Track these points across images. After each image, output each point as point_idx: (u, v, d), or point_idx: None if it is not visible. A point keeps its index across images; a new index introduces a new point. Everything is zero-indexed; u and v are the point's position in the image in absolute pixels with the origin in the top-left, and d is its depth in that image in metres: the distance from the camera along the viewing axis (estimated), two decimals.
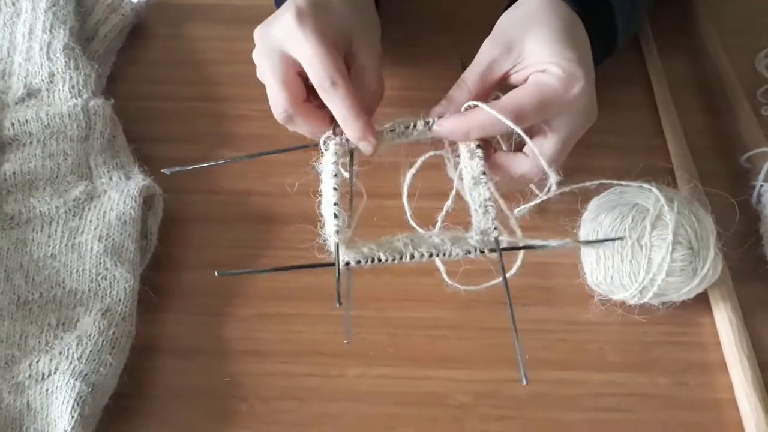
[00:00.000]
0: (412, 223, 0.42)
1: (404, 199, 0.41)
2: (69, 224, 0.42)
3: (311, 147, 0.42)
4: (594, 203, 0.43)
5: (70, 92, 0.46)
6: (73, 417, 0.37)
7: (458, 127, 0.39)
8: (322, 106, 0.40)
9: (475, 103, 0.39)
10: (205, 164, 0.43)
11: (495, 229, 0.37)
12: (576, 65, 0.38)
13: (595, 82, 0.40)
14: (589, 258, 0.42)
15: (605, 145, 0.50)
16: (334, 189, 0.38)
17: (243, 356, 0.43)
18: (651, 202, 0.40)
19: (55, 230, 0.42)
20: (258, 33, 0.41)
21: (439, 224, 0.41)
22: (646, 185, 0.41)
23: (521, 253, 0.40)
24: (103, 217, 0.42)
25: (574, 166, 0.43)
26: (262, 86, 0.42)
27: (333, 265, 0.36)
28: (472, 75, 0.40)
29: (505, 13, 0.42)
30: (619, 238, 0.40)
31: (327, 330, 0.44)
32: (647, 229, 0.39)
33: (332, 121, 0.41)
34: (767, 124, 0.51)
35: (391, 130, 0.40)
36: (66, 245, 0.42)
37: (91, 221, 0.42)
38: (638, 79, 0.55)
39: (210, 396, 0.42)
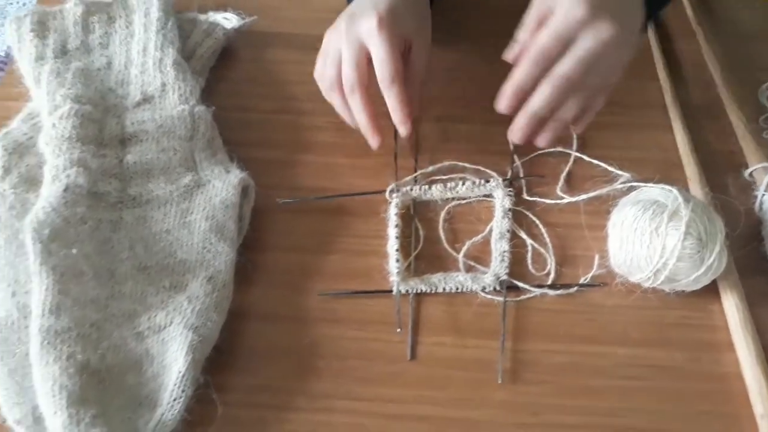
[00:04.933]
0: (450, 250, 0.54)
1: (443, 241, 0.55)
2: (181, 206, 0.51)
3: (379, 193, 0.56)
4: (623, 200, 0.51)
5: (179, 99, 0.55)
6: (186, 360, 0.45)
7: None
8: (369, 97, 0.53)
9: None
10: (311, 198, 0.56)
11: (506, 274, 0.51)
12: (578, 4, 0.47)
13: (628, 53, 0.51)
14: (613, 243, 0.50)
15: (628, 159, 0.58)
16: (396, 238, 0.53)
17: (320, 323, 0.51)
18: (670, 200, 0.48)
19: (170, 210, 0.50)
20: (344, 22, 0.53)
21: (462, 252, 0.54)
22: (667, 186, 0.49)
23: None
24: (209, 201, 0.51)
25: (602, 175, 0.52)
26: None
27: (391, 291, 0.51)
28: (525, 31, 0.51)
29: None
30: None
31: (390, 304, 0.51)
32: (664, 221, 0.47)
33: (374, 117, 0.54)
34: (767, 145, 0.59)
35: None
36: (178, 223, 0.50)
37: (199, 204, 0.51)
38: (656, 105, 0.63)
39: (292, 354, 0.49)
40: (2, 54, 0.92)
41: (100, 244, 0.48)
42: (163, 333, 0.46)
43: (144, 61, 0.58)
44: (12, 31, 0.59)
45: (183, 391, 0.44)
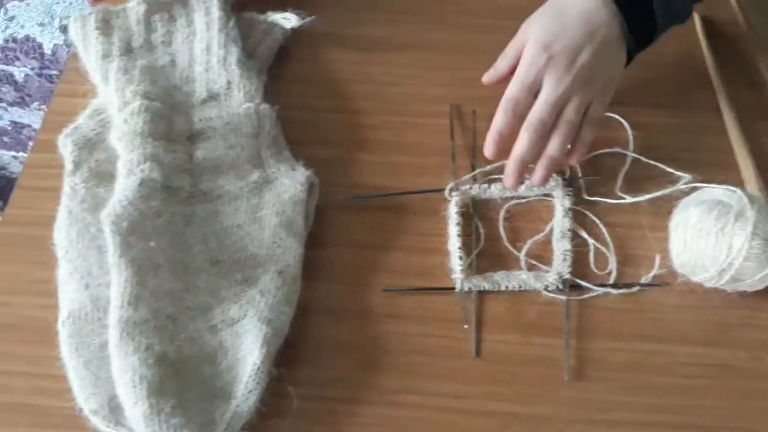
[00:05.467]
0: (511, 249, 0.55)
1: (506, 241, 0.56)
2: (251, 201, 0.51)
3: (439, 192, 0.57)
4: (684, 200, 0.52)
5: (245, 97, 0.56)
6: (261, 353, 0.45)
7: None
8: None
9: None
10: (373, 195, 0.57)
11: (568, 273, 0.52)
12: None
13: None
14: (677, 242, 0.51)
15: (682, 160, 0.58)
16: (458, 236, 0.53)
17: (384, 318, 0.51)
18: (734, 200, 0.49)
19: (240, 206, 0.51)
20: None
21: (524, 250, 0.55)
22: (731, 187, 0.50)
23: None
24: (279, 197, 0.51)
25: (660, 176, 0.53)
26: (390, 102, 0.59)
27: (453, 289, 0.52)
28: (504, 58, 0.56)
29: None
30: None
31: (453, 301, 0.52)
32: (730, 221, 0.48)
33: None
34: None
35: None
36: (249, 218, 0.51)
37: (268, 200, 0.51)
38: (708, 107, 0.63)
39: (358, 349, 0.50)
40: (49, 52, 0.94)
41: (173, 238, 0.49)
42: (237, 326, 0.47)
43: (208, 59, 0.58)
44: (77, 29, 0.60)
45: (258, 383, 0.45)
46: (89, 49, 0.59)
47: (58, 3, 0.95)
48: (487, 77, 0.58)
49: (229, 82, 0.57)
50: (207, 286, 0.48)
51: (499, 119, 0.52)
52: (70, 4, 0.95)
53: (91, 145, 0.55)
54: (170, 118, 0.54)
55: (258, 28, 0.63)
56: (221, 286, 0.48)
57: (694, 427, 0.47)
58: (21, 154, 1.14)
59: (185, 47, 0.60)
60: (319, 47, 0.67)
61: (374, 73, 0.65)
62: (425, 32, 0.68)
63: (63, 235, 0.52)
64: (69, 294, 0.49)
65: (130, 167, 0.50)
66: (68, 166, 0.54)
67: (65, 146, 0.55)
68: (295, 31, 0.66)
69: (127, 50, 0.59)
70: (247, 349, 0.46)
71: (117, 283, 0.46)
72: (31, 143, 1.11)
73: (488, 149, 0.53)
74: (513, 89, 0.52)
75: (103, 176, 0.54)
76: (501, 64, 0.57)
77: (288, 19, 0.62)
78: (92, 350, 0.47)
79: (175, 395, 0.44)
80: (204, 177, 0.52)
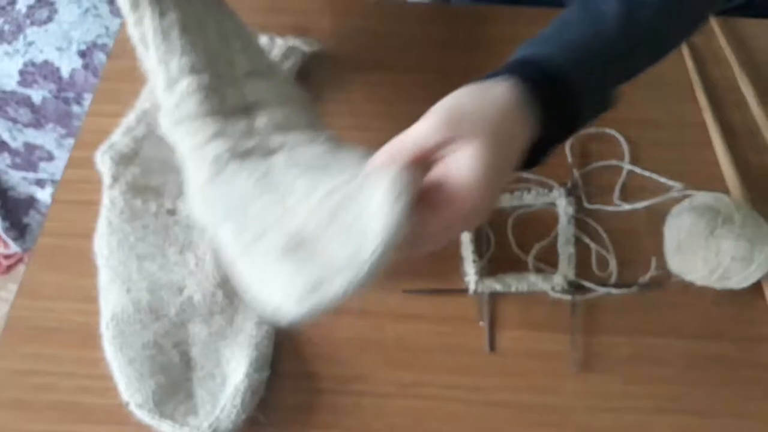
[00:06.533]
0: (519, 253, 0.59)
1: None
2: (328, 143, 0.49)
3: None
4: (677, 207, 0.57)
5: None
6: None
7: None
8: None
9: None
10: None
11: (574, 275, 0.56)
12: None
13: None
14: (671, 245, 0.56)
15: (672, 172, 0.63)
16: (471, 241, 0.57)
17: (405, 318, 0.55)
18: (722, 206, 0.54)
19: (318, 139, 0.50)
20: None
21: (532, 254, 0.59)
22: (720, 194, 0.55)
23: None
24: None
25: (654, 185, 0.58)
26: (401, 119, 0.56)
27: (467, 290, 0.56)
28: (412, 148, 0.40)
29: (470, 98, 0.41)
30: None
31: (467, 302, 0.56)
32: (719, 225, 0.53)
33: None
34: None
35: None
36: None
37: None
38: (695, 124, 0.68)
39: (380, 347, 0.54)
40: (66, 76, 0.98)
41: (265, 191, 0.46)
42: None
43: (246, 39, 0.55)
44: None
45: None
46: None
47: (75, 29, 0.99)
48: None
49: (269, 65, 0.56)
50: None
51: None
52: (88, 30, 0.99)
53: (127, 160, 0.59)
54: (221, 91, 0.51)
55: (278, 51, 0.68)
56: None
57: (690, 412, 0.52)
58: (31, 174, 1.17)
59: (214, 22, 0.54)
60: (333, 68, 0.72)
61: (386, 93, 0.69)
62: (438, 57, 0.73)
63: (104, 243, 0.55)
64: (111, 299, 0.53)
65: (197, 151, 0.49)
66: (106, 180, 0.58)
67: (103, 162, 0.59)
68: (312, 55, 0.71)
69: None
70: None
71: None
72: (42, 163, 1.14)
73: None
74: None
75: (139, 189, 0.58)
76: None
77: (308, 44, 0.67)
78: (136, 349, 0.51)
79: None
80: (271, 137, 0.50)
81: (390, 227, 0.37)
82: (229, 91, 0.51)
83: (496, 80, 0.41)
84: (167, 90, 0.51)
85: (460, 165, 0.39)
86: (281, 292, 0.39)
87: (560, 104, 0.42)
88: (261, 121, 0.51)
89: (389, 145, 0.41)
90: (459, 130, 0.39)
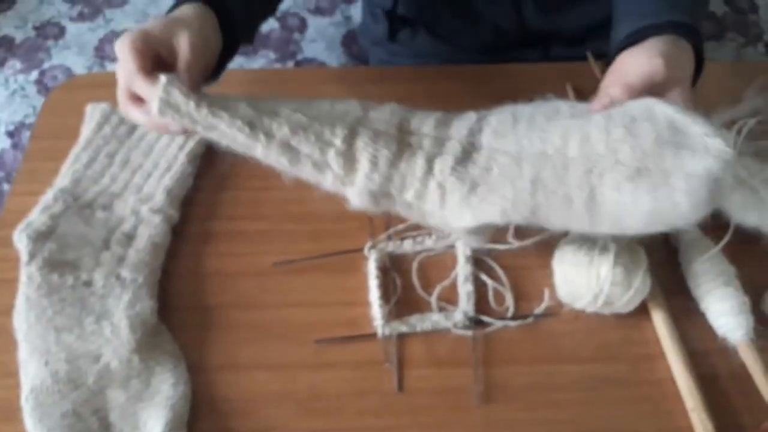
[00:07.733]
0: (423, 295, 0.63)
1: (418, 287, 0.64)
2: None
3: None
4: (561, 240, 0.61)
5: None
6: None
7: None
8: None
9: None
10: (300, 259, 0.64)
11: (473, 311, 0.61)
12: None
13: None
14: (559, 277, 0.60)
15: None
16: (377, 288, 0.62)
17: (317, 368, 0.58)
18: (599, 236, 0.59)
19: None
20: None
21: (434, 295, 0.63)
22: None
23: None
24: None
25: None
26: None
27: (375, 335, 0.60)
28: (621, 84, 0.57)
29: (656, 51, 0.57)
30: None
31: (377, 346, 0.59)
32: (596, 254, 0.58)
33: None
34: None
35: None
36: None
37: None
38: None
39: (292, 398, 0.57)
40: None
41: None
42: None
43: None
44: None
45: None
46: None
47: (3, 110, 1.02)
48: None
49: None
50: None
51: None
52: (15, 111, 1.02)
53: (44, 236, 0.62)
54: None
55: None
56: None
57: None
58: None
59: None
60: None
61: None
62: None
63: (22, 319, 0.57)
64: (31, 372, 0.55)
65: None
66: (24, 257, 0.61)
67: (20, 240, 0.61)
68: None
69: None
70: None
71: None
72: None
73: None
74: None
75: (56, 264, 0.60)
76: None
77: None
78: (55, 420, 0.53)
79: None
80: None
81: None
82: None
83: (673, 36, 0.59)
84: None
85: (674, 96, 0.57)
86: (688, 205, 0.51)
87: (699, 45, 0.61)
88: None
89: (612, 77, 0.58)
90: (673, 72, 0.57)
